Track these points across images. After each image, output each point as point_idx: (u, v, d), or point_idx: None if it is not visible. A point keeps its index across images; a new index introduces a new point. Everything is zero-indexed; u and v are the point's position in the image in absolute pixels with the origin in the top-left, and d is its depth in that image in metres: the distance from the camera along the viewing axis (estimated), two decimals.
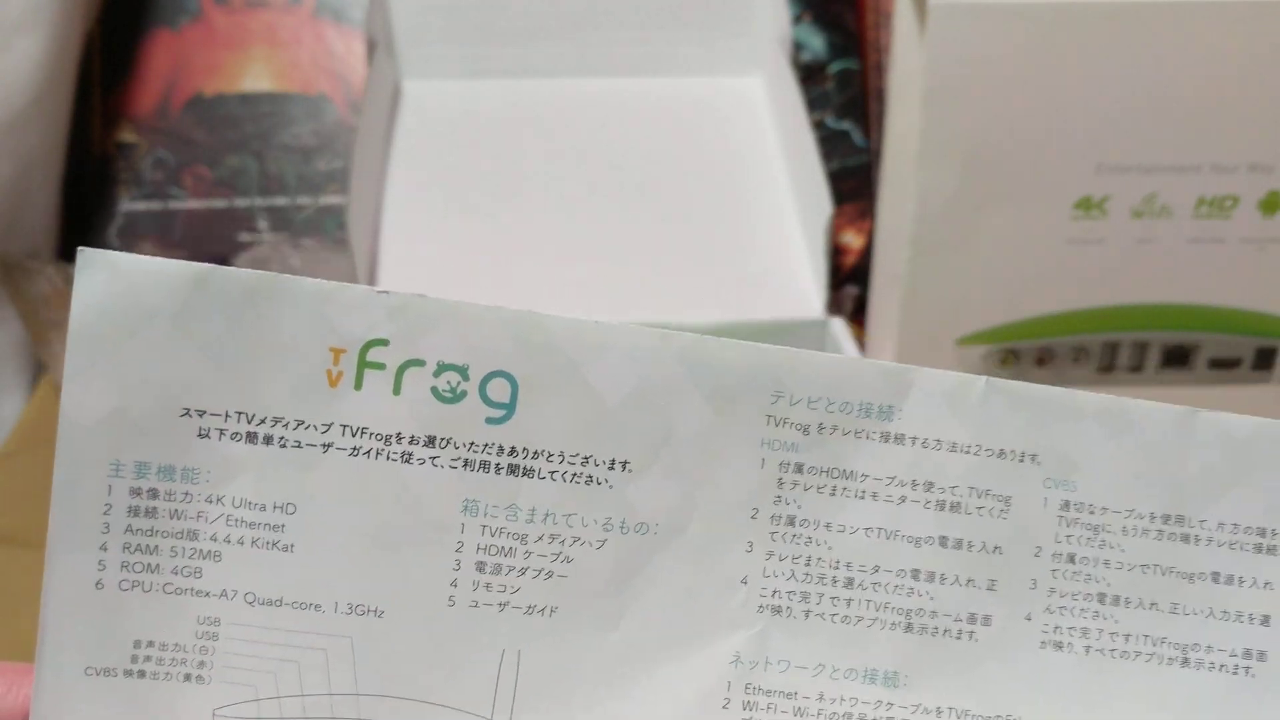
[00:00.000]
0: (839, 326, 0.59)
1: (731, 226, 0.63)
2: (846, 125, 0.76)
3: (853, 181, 0.75)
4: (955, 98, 0.54)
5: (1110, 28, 0.53)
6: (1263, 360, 0.60)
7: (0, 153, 0.66)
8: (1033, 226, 0.56)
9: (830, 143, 0.75)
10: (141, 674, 0.28)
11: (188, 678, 0.28)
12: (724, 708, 0.28)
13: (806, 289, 0.61)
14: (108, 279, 0.26)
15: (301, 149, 0.75)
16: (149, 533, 0.27)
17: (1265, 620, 0.28)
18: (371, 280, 0.60)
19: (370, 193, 0.62)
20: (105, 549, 0.27)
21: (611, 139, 0.67)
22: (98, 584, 0.28)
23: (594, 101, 0.69)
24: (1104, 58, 0.53)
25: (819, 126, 0.75)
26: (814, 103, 0.75)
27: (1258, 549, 0.28)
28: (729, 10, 0.70)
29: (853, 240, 0.74)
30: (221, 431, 0.27)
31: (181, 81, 0.74)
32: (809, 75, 0.76)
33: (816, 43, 0.76)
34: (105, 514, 0.27)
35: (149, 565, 0.27)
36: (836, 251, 0.73)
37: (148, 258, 0.26)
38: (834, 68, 0.76)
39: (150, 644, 0.28)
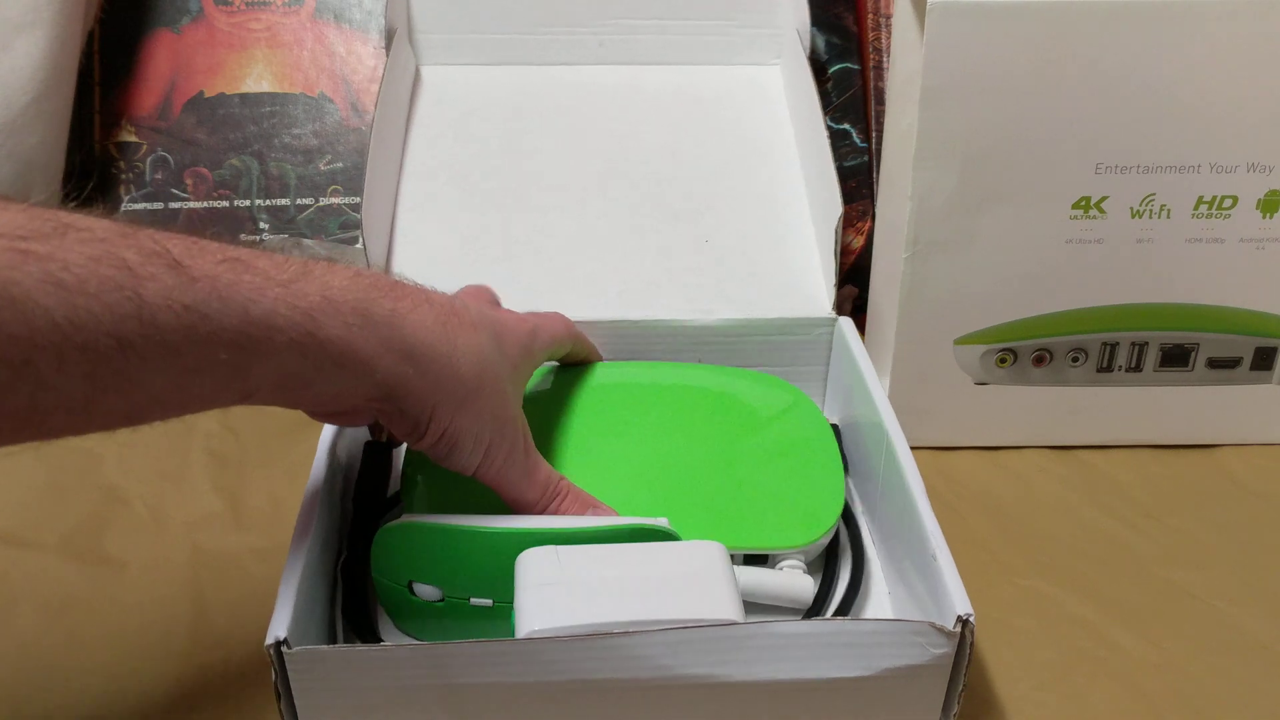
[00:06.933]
0: (847, 325, 0.58)
1: (743, 223, 0.63)
2: (846, 125, 0.76)
3: (852, 182, 0.75)
4: (953, 98, 0.54)
5: (1109, 28, 0.53)
6: (1262, 360, 0.60)
7: (0, 153, 0.66)
8: (1031, 226, 0.57)
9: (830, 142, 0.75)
10: None
11: None
12: None
13: (816, 288, 0.60)
14: None
15: (303, 149, 0.75)
16: None
17: None
18: (387, 264, 0.60)
19: (388, 177, 0.62)
20: None
21: (628, 128, 0.67)
22: None
23: (612, 90, 0.69)
24: (1103, 58, 0.53)
25: None
26: None
27: None
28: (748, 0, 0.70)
29: (852, 240, 0.74)
30: None
31: (182, 82, 0.75)
32: None
33: (817, 44, 0.76)
34: None
35: None
36: None
37: None
38: (834, 68, 0.76)
39: None
